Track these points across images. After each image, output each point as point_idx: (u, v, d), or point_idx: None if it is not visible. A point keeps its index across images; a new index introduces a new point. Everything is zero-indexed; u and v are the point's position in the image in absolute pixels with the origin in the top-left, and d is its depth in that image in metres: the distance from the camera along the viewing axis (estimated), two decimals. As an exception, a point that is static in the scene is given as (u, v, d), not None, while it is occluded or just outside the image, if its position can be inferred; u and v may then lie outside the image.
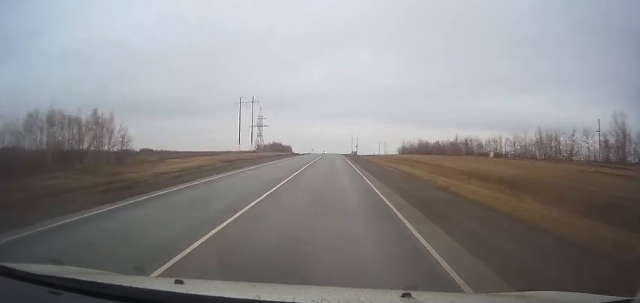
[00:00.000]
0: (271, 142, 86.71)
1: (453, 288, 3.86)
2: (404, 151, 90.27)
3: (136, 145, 41.60)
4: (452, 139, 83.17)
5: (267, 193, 11.23)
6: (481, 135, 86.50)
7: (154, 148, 44.85)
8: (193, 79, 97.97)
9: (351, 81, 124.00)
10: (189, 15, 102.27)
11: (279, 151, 79.04)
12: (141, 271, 2.78)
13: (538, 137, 58.42)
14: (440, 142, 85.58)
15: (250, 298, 1.66)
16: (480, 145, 74.44)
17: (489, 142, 72.77)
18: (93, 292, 1.79)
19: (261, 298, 1.64)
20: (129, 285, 1.84)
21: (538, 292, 2.15)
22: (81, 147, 25.61)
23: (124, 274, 2.53)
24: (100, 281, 1.91)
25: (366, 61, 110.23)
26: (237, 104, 68.89)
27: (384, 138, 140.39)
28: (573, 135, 51.07)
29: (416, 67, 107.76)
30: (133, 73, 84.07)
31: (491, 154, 67.90)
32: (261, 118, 77.79)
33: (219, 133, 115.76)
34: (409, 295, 1.70)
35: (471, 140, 77.20)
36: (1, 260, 2.19)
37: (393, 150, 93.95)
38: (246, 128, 79.18)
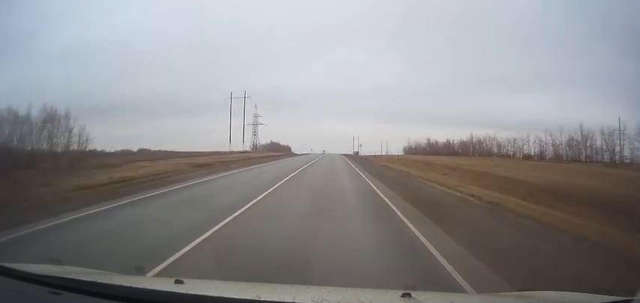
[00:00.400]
0: (269, 142, 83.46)
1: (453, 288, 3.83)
2: (410, 150, 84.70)
3: (134, 145, 41.57)
4: (465, 137, 76.66)
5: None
6: (484, 133, 78.99)
7: (153, 148, 44.92)
8: (193, 79, 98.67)
9: (351, 80, 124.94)
10: (189, 15, 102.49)
11: (277, 151, 75.44)
12: (141, 271, 2.78)
13: (578, 137, 52.05)
14: (450, 141, 79.12)
15: (250, 298, 1.66)
16: (499, 145, 67.38)
17: (511, 141, 65.22)
18: (93, 292, 1.79)
19: (261, 298, 1.65)
20: (129, 285, 1.84)
21: (538, 292, 2.15)
22: (28, 147, 21.96)
23: (124, 274, 2.53)
24: (100, 281, 1.91)
25: (367, 60, 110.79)
26: (236, 101, 63.58)
27: (386, 137, 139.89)
28: (624, 132, 46.18)
29: (419, 66, 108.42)
30: (133, 73, 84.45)
31: (516, 155, 60.51)
32: (256, 116, 73.17)
33: (220, 133, 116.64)
34: (409, 295, 1.70)
35: (489, 139, 70.14)
36: (1, 260, 2.19)
37: (394, 150, 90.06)
38: (245, 127, 74.19)
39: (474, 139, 73.38)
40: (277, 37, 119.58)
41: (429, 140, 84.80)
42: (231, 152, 51.98)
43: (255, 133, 74.68)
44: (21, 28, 59.85)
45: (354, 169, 25.70)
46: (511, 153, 64.41)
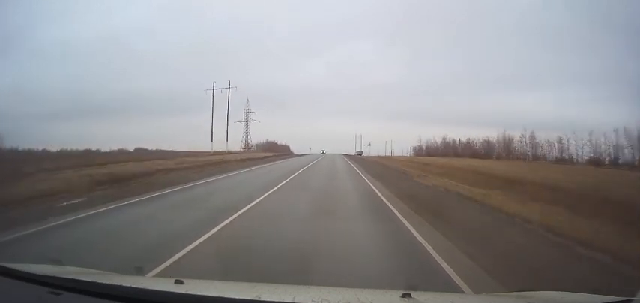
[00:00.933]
0: (265, 141, 77.93)
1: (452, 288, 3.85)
2: (420, 151, 74.87)
3: (132, 145, 41.30)
4: (491, 136, 66.24)
5: None
6: (519, 133, 64.19)
7: (150, 148, 44.62)
8: (193, 79, 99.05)
9: (352, 79, 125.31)
10: (189, 14, 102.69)
11: (273, 150, 68.75)
12: (141, 271, 2.78)
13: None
14: (471, 140, 68.07)
15: (250, 298, 1.66)
16: (537, 145, 55.78)
17: (558, 140, 52.08)
18: (93, 292, 1.79)
19: (261, 298, 1.64)
20: (129, 285, 1.84)
21: (538, 292, 2.14)
22: None
23: (124, 274, 2.53)
24: (100, 281, 1.91)
25: (368, 59, 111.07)
26: (232, 94, 53.85)
27: (391, 136, 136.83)
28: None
29: (423, 64, 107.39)
30: (133, 73, 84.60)
31: (575, 159, 48.12)
32: (248, 112, 67.30)
33: (218, 132, 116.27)
34: (409, 295, 1.70)
35: (527, 138, 57.71)
36: (1, 260, 2.19)
37: (399, 150, 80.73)
38: (235, 124, 67.11)
39: (507, 137, 60.76)
40: (277, 37, 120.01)
41: (445, 139, 73.52)
42: (215, 153, 43.49)
43: (246, 131, 67.92)
44: (20, 27, 59.71)
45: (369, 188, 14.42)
46: (566, 156, 50.56)
